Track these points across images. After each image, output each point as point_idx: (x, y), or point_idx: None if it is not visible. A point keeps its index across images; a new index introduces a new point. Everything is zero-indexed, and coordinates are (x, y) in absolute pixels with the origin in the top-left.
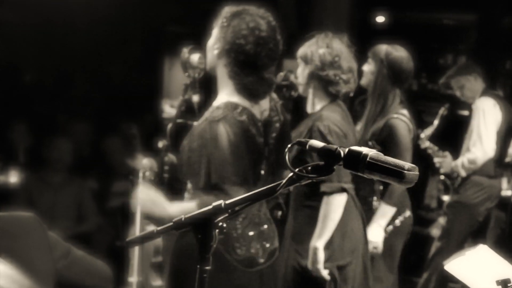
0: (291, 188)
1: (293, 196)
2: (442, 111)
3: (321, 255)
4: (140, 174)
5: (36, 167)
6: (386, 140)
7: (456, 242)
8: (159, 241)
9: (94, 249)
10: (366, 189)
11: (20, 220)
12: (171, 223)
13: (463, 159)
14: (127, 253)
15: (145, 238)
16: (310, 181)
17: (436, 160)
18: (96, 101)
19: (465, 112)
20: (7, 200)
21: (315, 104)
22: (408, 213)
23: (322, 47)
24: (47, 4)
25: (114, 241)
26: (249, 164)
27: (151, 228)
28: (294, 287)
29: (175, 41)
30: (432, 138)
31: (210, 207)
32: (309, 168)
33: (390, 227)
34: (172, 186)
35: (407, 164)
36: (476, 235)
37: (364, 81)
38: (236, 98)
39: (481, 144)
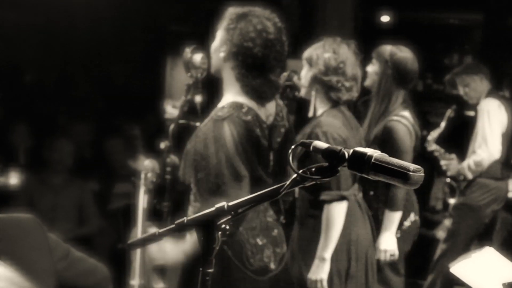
0: (296, 194)
1: (299, 204)
2: (449, 113)
3: (327, 267)
4: (142, 176)
5: (37, 169)
6: (385, 142)
7: (462, 245)
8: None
9: (95, 252)
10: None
11: (20, 222)
12: (173, 225)
13: (469, 161)
14: (128, 255)
15: (147, 241)
16: (313, 182)
17: (442, 162)
18: (97, 101)
19: (472, 113)
20: (7, 202)
21: (317, 108)
22: (413, 217)
23: (328, 52)
24: (48, 4)
25: (115, 244)
26: (254, 166)
27: (153, 230)
28: None
29: (177, 40)
30: (438, 140)
31: (212, 208)
32: (313, 169)
33: (398, 233)
34: (174, 188)
35: (412, 166)
36: (482, 238)
37: (368, 82)
38: (242, 99)
39: (487, 145)
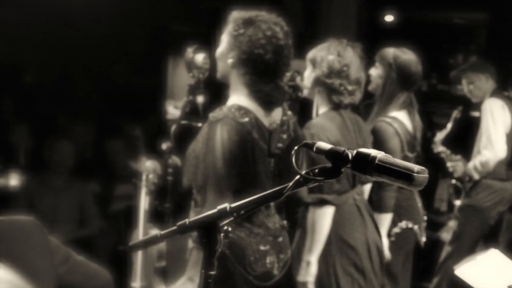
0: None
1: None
2: (455, 114)
3: (313, 269)
4: (143, 177)
5: (37, 170)
6: (373, 143)
7: (467, 247)
8: (162, 246)
9: (96, 254)
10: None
11: (20, 224)
12: (175, 227)
13: (475, 162)
14: (130, 257)
15: (149, 243)
16: (317, 183)
17: (449, 164)
18: (98, 102)
19: (477, 114)
20: (7, 204)
21: (319, 109)
22: (406, 224)
23: (332, 54)
24: (48, 3)
25: (116, 246)
26: (249, 169)
27: (154, 232)
28: None
29: (179, 40)
30: (444, 141)
31: (214, 210)
32: (316, 170)
33: (392, 237)
34: (176, 189)
35: (416, 167)
36: (487, 239)
37: (372, 86)
38: (246, 102)
39: (492, 145)
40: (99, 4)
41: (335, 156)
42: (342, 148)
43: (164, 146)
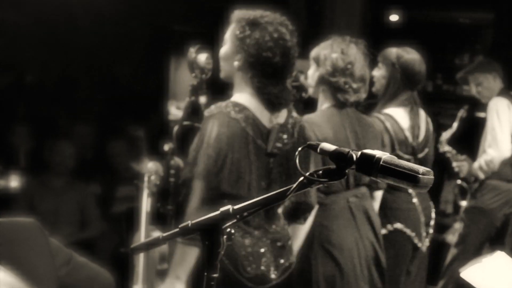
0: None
1: None
2: (461, 113)
3: None
4: (145, 178)
5: (38, 171)
6: None
7: (473, 249)
8: (164, 248)
9: (97, 256)
10: None
11: (20, 226)
12: (177, 229)
13: (480, 161)
14: (131, 260)
15: (151, 245)
16: (321, 185)
17: (454, 164)
18: (99, 102)
19: (483, 114)
20: (8, 206)
21: (321, 107)
22: (392, 226)
23: (336, 52)
24: (49, 2)
25: (118, 248)
26: (241, 165)
27: (156, 234)
28: None
29: (182, 40)
30: (450, 141)
31: (217, 212)
32: (320, 172)
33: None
34: (178, 191)
35: (421, 168)
36: (493, 241)
37: (376, 87)
38: (245, 100)
39: (497, 144)
40: (100, 4)
41: (339, 157)
42: (347, 149)
43: (166, 147)
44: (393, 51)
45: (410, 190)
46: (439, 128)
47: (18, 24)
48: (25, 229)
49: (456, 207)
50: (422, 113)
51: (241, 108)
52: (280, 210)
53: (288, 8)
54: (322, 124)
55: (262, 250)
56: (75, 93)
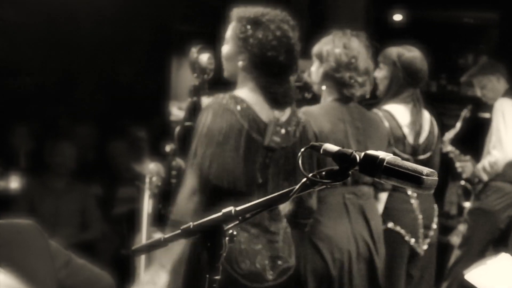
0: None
1: None
2: (464, 113)
3: None
4: (147, 180)
5: (38, 172)
6: None
7: (477, 251)
8: None
9: (98, 258)
10: None
11: (20, 228)
12: (179, 231)
13: (484, 162)
14: (133, 262)
15: (152, 247)
16: (324, 186)
17: (458, 164)
18: (100, 103)
19: (487, 115)
20: (8, 207)
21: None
22: (389, 224)
23: (338, 47)
24: (50, 2)
25: (119, 250)
26: (234, 157)
27: (158, 236)
28: None
29: (183, 40)
30: (453, 141)
31: (219, 214)
32: (323, 173)
33: None
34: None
35: (425, 169)
36: (497, 243)
37: (380, 90)
38: (246, 95)
39: (501, 146)
40: (101, 3)
41: (342, 158)
42: (350, 150)
43: (168, 148)
44: (393, 50)
45: (409, 191)
46: (443, 128)
47: (18, 24)
48: (25, 231)
49: (461, 208)
50: (427, 114)
51: (239, 100)
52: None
53: (290, 8)
54: (320, 116)
55: (257, 247)
56: (75, 93)
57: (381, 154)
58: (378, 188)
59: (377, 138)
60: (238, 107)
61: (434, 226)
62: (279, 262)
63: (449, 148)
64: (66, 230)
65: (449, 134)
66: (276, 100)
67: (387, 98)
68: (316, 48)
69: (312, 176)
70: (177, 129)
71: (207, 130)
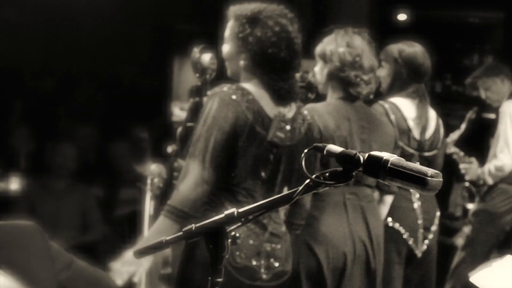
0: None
1: None
2: (470, 114)
3: None
4: (148, 181)
5: (38, 174)
6: None
7: (481, 253)
8: (168, 252)
9: (99, 260)
10: None
11: (20, 229)
12: (180, 233)
13: (490, 166)
14: None
15: (154, 249)
16: (327, 188)
17: (462, 166)
18: (101, 103)
19: (492, 115)
20: (8, 209)
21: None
22: (388, 220)
23: (341, 46)
24: (51, 2)
25: (120, 252)
26: (237, 148)
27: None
28: None
29: (185, 40)
30: (457, 142)
31: (222, 215)
32: (327, 174)
33: None
34: None
35: (430, 170)
36: (502, 246)
37: (383, 88)
38: (251, 88)
39: (509, 150)
40: (103, 3)
41: (346, 159)
42: (354, 151)
43: (170, 149)
44: (394, 47)
45: (412, 191)
46: (448, 129)
47: (20, 24)
48: (25, 233)
49: (465, 210)
50: (433, 113)
51: (245, 92)
52: (282, 215)
53: (293, 7)
54: (325, 114)
55: (255, 243)
56: (76, 94)
57: (385, 155)
58: (384, 191)
59: (382, 138)
60: (244, 99)
61: (434, 228)
62: (276, 264)
63: (452, 149)
64: (67, 232)
65: (454, 135)
66: (281, 96)
67: (390, 95)
68: (319, 48)
69: (315, 177)
70: (179, 130)
71: (212, 119)
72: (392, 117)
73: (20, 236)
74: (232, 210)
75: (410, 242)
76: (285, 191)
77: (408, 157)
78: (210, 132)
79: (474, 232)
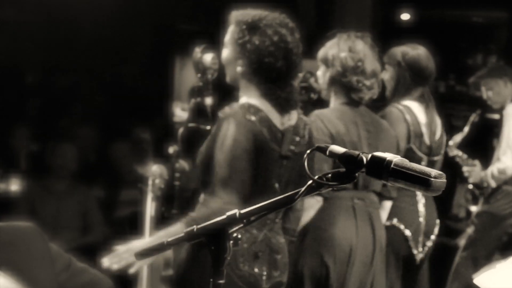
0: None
1: None
2: (473, 117)
3: None
4: (150, 182)
5: (39, 174)
6: None
7: (483, 254)
8: (169, 254)
9: (100, 262)
10: None
11: (20, 230)
12: (182, 234)
13: (493, 168)
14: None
15: (155, 250)
16: (330, 189)
17: (465, 169)
18: (102, 104)
19: (496, 116)
20: (8, 210)
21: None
22: (390, 222)
23: (343, 51)
24: (51, 2)
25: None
26: (258, 169)
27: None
28: None
29: (187, 40)
30: (461, 144)
31: (224, 216)
32: (329, 175)
33: None
34: (183, 195)
35: (433, 171)
36: (505, 248)
37: (388, 91)
38: (257, 102)
39: None
40: (103, 3)
41: (349, 160)
42: (357, 152)
43: (171, 149)
44: (397, 50)
45: (419, 195)
46: (451, 129)
47: (20, 24)
48: (25, 234)
49: (469, 212)
50: (437, 117)
51: (256, 110)
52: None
53: (297, 8)
54: (334, 119)
55: (259, 252)
56: (77, 94)
57: (388, 156)
58: (383, 197)
59: (386, 142)
60: (257, 117)
61: (433, 237)
62: (275, 274)
63: (455, 152)
64: (67, 233)
65: (457, 138)
66: (280, 105)
67: (395, 99)
68: (321, 53)
69: (318, 178)
70: (181, 130)
71: (233, 142)
72: (409, 119)
73: (20, 238)
74: (234, 211)
75: (411, 243)
76: None
77: (417, 161)
78: (233, 154)
79: (477, 233)
